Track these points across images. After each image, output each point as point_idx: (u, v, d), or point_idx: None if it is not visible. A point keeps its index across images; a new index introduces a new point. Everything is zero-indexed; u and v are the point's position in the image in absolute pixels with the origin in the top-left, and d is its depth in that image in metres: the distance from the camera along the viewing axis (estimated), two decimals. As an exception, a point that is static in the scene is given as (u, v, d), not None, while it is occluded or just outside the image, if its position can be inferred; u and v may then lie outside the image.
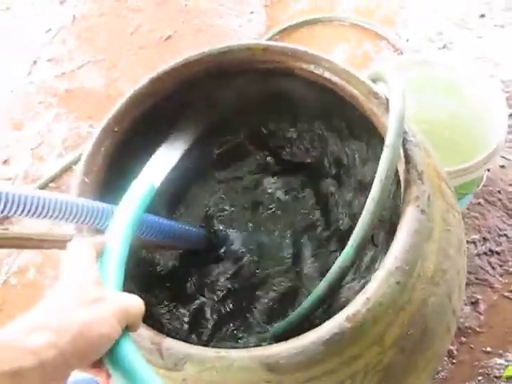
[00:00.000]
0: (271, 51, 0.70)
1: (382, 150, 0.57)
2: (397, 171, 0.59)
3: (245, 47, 0.70)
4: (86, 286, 0.41)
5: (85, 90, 1.54)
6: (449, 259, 0.58)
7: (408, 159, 0.59)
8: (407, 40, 1.50)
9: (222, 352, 0.50)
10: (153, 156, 0.67)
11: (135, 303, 0.43)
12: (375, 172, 0.56)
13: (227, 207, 0.88)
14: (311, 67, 0.68)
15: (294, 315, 0.60)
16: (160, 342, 0.52)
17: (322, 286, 0.57)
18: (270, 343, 0.62)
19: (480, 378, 1.03)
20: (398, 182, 0.61)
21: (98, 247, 0.47)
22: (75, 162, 1.35)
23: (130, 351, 0.41)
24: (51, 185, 1.35)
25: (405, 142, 0.59)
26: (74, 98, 1.53)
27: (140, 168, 0.63)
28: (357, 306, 0.50)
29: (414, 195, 0.56)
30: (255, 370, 0.49)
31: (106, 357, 0.40)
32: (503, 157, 1.25)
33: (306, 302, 0.58)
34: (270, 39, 1.54)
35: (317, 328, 0.50)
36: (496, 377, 1.03)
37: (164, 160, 0.66)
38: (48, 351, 0.35)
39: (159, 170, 0.64)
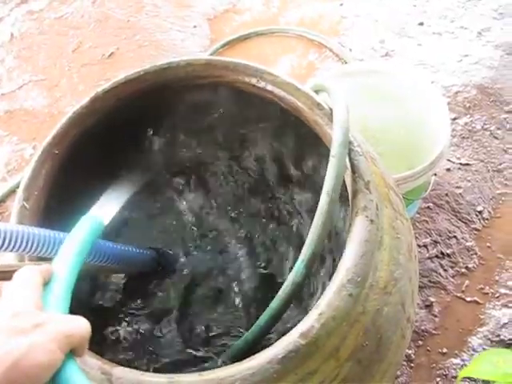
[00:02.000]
0: (212, 66, 0.69)
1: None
2: (344, 182, 0.59)
3: (185, 63, 0.69)
4: (23, 312, 0.38)
5: (26, 111, 1.49)
6: (400, 267, 0.58)
7: (354, 169, 0.58)
8: (350, 49, 1.53)
9: (175, 377, 0.48)
10: (104, 194, 0.67)
11: (80, 325, 0.40)
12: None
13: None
14: (253, 80, 0.68)
15: (249, 334, 0.58)
16: (110, 371, 0.49)
17: (275, 303, 0.56)
18: (226, 364, 0.60)
19: (438, 379, 1.05)
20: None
21: (46, 274, 0.45)
22: (19, 186, 1.30)
23: (76, 378, 0.38)
24: (-5, 210, 1.30)
25: (350, 151, 0.59)
26: (15, 119, 1.48)
27: (82, 193, 0.61)
28: (310, 322, 0.49)
29: (361, 205, 0.56)
30: (210, 396, 0.47)
31: None
32: (449, 160, 1.28)
33: (261, 320, 0.57)
34: (213, 53, 1.54)
35: (270, 347, 0.49)
36: (454, 377, 1.05)
37: (114, 199, 0.65)
38: None
39: (109, 208, 0.64)
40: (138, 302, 0.78)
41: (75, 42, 1.63)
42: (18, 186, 1.26)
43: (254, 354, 0.50)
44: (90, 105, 0.69)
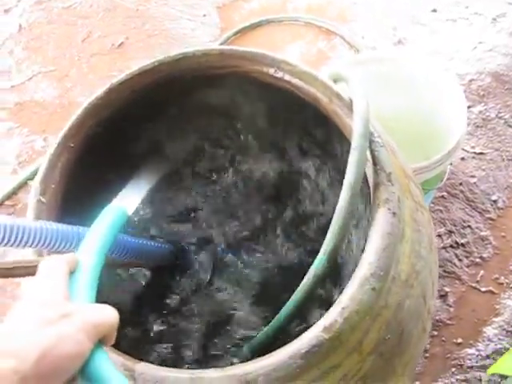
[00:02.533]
0: (228, 56, 0.68)
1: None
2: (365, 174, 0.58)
3: (201, 53, 0.68)
4: (51, 302, 0.38)
5: (36, 102, 1.48)
6: (421, 259, 0.58)
7: (375, 161, 0.58)
8: (363, 37, 1.51)
9: (197, 373, 0.48)
10: (127, 185, 0.67)
11: (108, 314, 0.40)
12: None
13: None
14: (271, 71, 0.67)
15: (269, 328, 0.58)
16: (133, 367, 0.49)
17: (296, 297, 0.55)
18: (247, 359, 0.60)
19: (453, 369, 1.04)
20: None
21: (71, 263, 0.45)
22: (30, 178, 1.30)
23: (105, 367, 0.38)
24: (7, 203, 1.30)
25: (371, 143, 0.58)
26: (25, 110, 1.47)
27: (99, 186, 0.61)
28: (333, 316, 0.48)
29: (383, 198, 0.55)
30: (233, 390, 0.47)
31: (80, 374, 0.37)
32: (463, 149, 1.27)
33: (281, 314, 0.56)
34: (224, 42, 1.52)
35: (294, 341, 0.48)
36: (468, 367, 1.04)
37: (137, 189, 0.65)
38: (11, 378, 0.33)
39: (133, 198, 0.63)
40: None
41: (84, 32, 1.62)
42: (29, 178, 1.28)
43: (273, 348, 0.50)
44: (105, 96, 0.68)
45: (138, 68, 0.70)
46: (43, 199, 0.61)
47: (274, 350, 0.50)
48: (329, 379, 0.50)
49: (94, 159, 0.67)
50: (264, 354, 0.49)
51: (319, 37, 1.54)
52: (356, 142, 0.56)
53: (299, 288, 0.55)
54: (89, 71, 1.53)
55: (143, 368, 0.49)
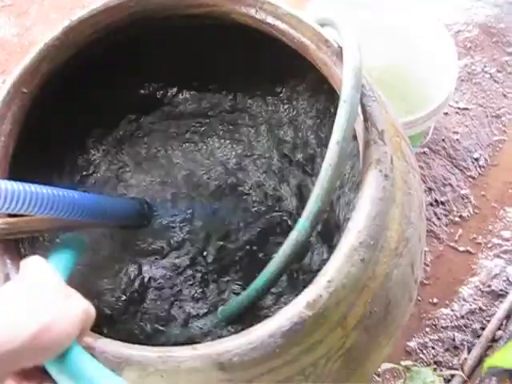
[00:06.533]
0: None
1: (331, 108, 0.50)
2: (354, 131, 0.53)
3: (175, -12, 0.61)
4: (58, 281, 0.40)
5: (-7, 41, 1.37)
6: (411, 226, 0.53)
7: (366, 116, 0.52)
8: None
9: (167, 351, 0.43)
10: None
11: (92, 308, 0.41)
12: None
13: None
14: (251, 11, 0.59)
15: (244, 297, 0.53)
16: (94, 344, 0.44)
17: (273, 265, 0.50)
18: (221, 326, 0.56)
19: (427, 329, 1.03)
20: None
21: None
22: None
23: (85, 357, 0.38)
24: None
25: (362, 96, 0.52)
26: (-19, 49, 1.36)
27: (57, 140, 0.54)
28: (318, 290, 0.44)
29: (375, 158, 0.49)
30: (206, 371, 0.42)
31: (56, 363, 0.37)
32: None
33: (257, 283, 0.52)
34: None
35: (273, 317, 0.44)
36: (443, 327, 1.03)
37: None
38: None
39: None
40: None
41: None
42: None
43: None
44: (62, 36, 0.60)
45: (102, 4, 0.62)
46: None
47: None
48: (310, 356, 0.46)
49: (53, 110, 0.60)
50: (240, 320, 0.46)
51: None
52: (346, 93, 0.50)
53: (277, 256, 0.50)
54: (50, 8, 1.41)
55: (105, 345, 0.43)
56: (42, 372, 0.38)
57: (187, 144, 0.82)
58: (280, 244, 0.51)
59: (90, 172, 0.77)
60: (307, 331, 0.44)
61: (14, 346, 0.32)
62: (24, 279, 0.39)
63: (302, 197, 0.76)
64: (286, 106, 0.79)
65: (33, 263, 0.41)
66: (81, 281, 0.64)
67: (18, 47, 1.36)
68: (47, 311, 0.35)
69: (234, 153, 0.81)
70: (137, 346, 0.44)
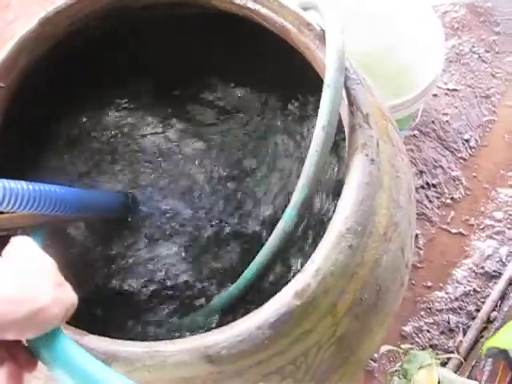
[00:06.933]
0: (183, -21, 0.59)
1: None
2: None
3: (151, -25, 0.59)
4: (53, 268, 0.40)
5: (-26, 36, 1.35)
6: (400, 210, 0.52)
7: (351, 100, 0.51)
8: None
9: (154, 346, 0.42)
10: None
11: (76, 301, 0.40)
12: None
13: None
14: (231, -4, 0.58)
15: (234, 288, 0.52)
16: (80, 341, 0.43)
17: (264, 253, 0.49)
18: (217, 315, 0.55)
19: (422, 312, 1.03)
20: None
21: None
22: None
23: (73, 345, 0.38)
24: None
25: (346, 79, 0.51)
26: (-38, 45, 1.33)
27: (39, 135, 0.52)
28: (306, 279, 0.43)
29: (360, 142, 0.48)
30: (193, 365, 0.41)
31: (44, 349, 0.37)
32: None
33: (247, 273, 0.51)
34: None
35: (261, 308, 0.43)
36: (437, 310, 1.03)
37: None
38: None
39: None
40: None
41: (26, -45, 1.46)
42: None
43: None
44: (39, 28, 0.59)
45: (78, -6, 0.60)
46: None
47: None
48: (300, 346, 0.45)
49: (34, 104, 0.59)
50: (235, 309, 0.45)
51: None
52: (330, 77, 0.49)
53: (265, 246, 0.49)
54: (32, 1, 1.38)
55: (92, 342, 0.43)
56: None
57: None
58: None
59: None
60: (296, 321, 0.43)
61: (13, 318, 0.33)
62: (24, 259, 0.39)
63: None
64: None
65: (27, 245, 0.41)
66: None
67: (1, 41, 1.33)
68: (48, 293, 0.36)
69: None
70: (123, 341, 0.43)
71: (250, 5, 0.57)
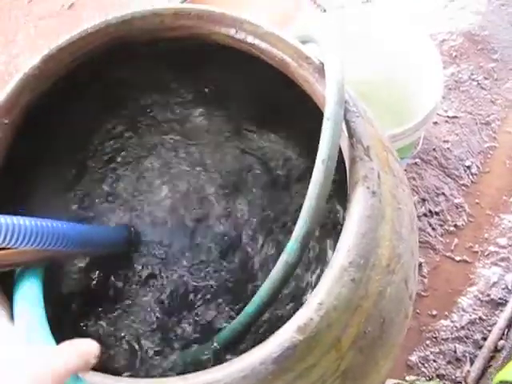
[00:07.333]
0: (183, 16, 0.60)
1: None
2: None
3: (151, 13, 0.60)
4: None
5: (-20, 70, 1.37)
6: (403, 241, 0.52)
7: (351, 133, 0.51)
8: (328, -5, 1.43)
9: (153, 383, 0.42)
10: None
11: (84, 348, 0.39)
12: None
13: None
14: (231, 31, 0.59)
15: (236, 323, 0.52)
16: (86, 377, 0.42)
17: (265, 289, 0.49)
18: (217, 353, 0.55)
19: (428, 342, 1.02)
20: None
21: None
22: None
23: None
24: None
25: (346, 112, 0.52)
26: (-31, 79, 1.35)
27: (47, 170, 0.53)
28: (308, 314, 0.42)
29: (361, 174, 0.49)
30: (197, 402, 0.41)
31: None
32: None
33: (249, 307, 0.50)
34: (184, 0, 1.42)
35: (263, 343, 0.43)
36: (443, 339, 1.01)
37: None
38: None
39: None
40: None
41: (30, -8, 1.49)
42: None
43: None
44: (42, 65, 0.59)
45: (80, 31, 0.61)
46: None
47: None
48: (304, 381, 0.45)
49: (39, 139, 0.59)
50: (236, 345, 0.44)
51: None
52: (330, 110, 0.49)
53: (268, 279, 0.49)
54: (37, 36, 1.41)
55: (96, 380, 0.42)
56: None
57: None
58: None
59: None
60: (299, 356, 0.42)
61: None
62: None
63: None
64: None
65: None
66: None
67: (6, 75, 1.35)
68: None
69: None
70: (126, 378, 0.43)
71: (250, 39, 0.58)
